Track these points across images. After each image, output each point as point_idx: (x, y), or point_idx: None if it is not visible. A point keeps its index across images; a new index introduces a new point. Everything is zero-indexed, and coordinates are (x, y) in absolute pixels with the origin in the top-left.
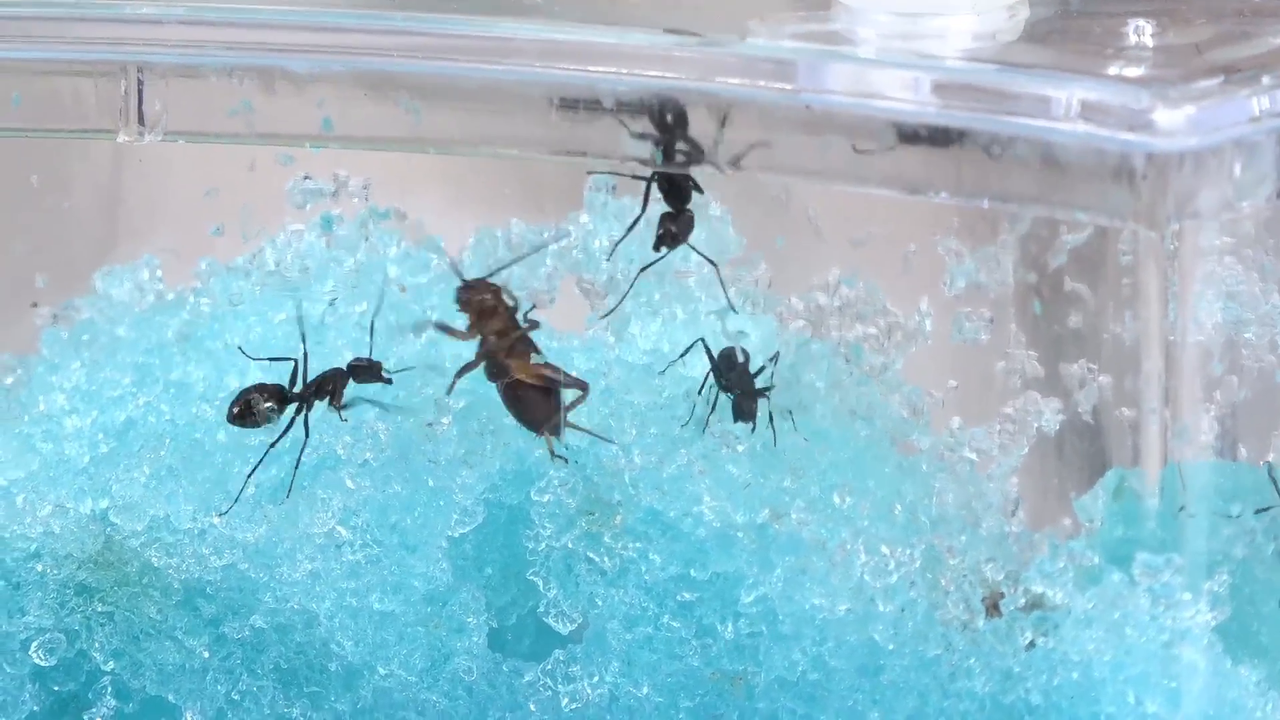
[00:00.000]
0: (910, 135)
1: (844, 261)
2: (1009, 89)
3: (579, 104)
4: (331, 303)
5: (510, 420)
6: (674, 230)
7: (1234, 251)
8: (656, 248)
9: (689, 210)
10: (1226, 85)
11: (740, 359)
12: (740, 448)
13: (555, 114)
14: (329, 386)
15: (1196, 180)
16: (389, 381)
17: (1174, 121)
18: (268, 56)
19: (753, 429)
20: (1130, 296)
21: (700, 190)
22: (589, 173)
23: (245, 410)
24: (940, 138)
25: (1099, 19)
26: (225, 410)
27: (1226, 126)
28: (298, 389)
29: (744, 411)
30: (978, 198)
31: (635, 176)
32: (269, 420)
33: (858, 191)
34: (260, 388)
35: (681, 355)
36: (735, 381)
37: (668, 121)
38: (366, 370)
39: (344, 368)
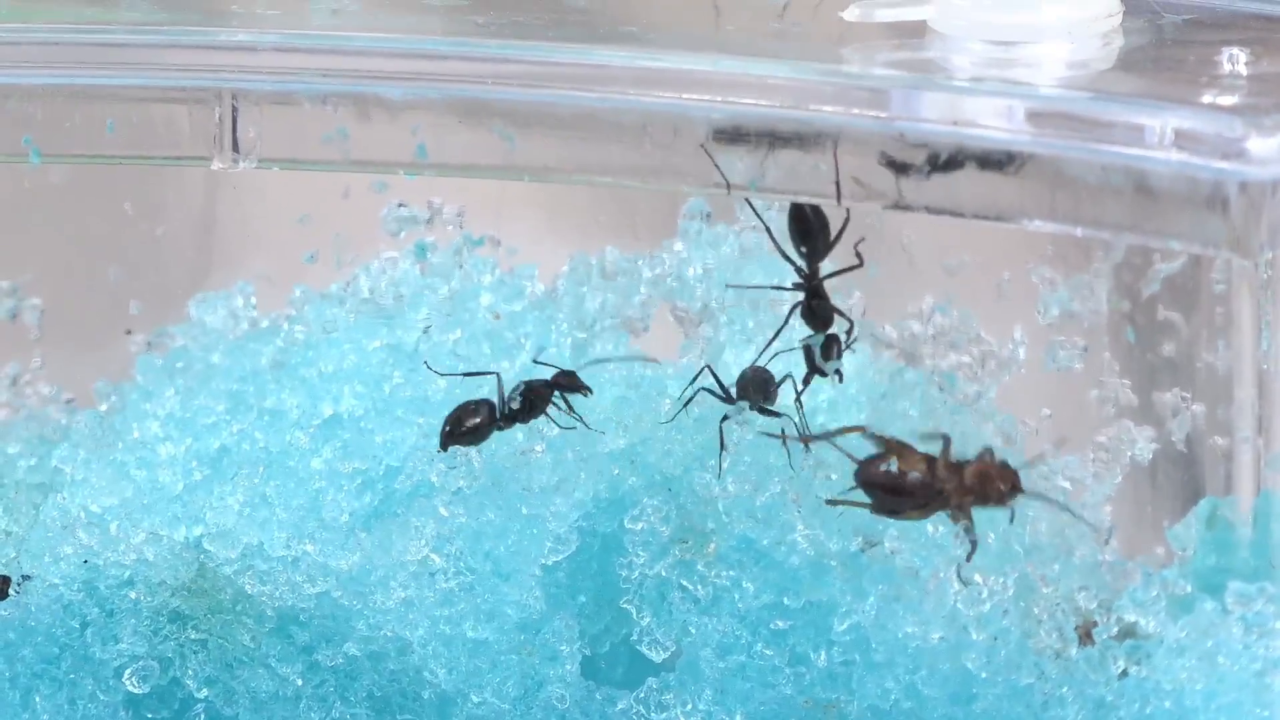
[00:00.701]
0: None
1: (938, 289)
2: (1103, 117)
3: (742, 135)
4: (426, 330)
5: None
6: (827, 358)
7: None
8: (807, 380)
9: (837, 335)
10: None
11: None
12: (834, 476)
13: (708, 144)
14: (535, 399)
15: None
16: (589, 392)
17: (1267, 150)
18: (362, 83)
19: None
20: (1223, 325)
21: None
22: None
23: (456, 429)
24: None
25: (1193, 47)
26: (441, 431)
27: None
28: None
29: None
30: (1072, 225)
31: (782, 288)
32: (483, 437)
33: (954, 221)
34: (471, 406)
35: (690, 384)
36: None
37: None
38: (568, 382)
39: (547, 380)
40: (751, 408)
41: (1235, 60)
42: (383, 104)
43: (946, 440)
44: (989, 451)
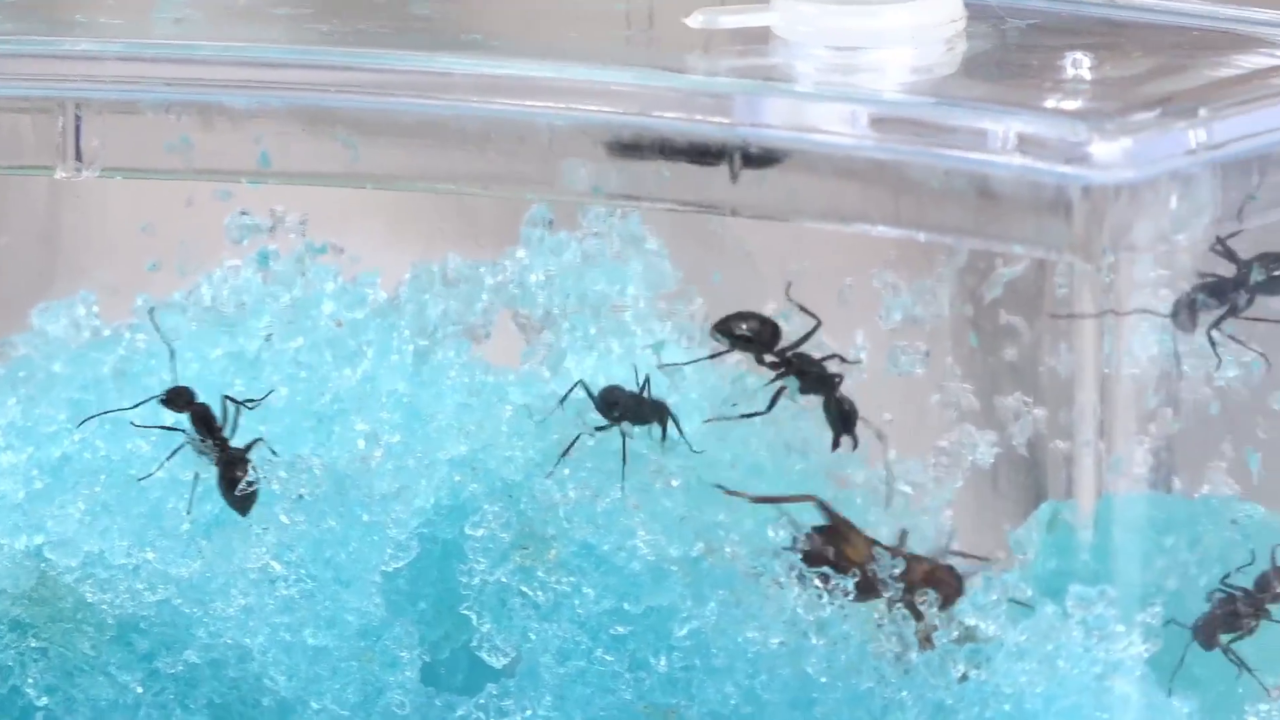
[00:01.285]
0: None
1: (780, 295)
2: (945, 122)
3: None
4: (268, 338)
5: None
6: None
7: (1169, 284)
8: (836, 443)
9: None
10: (1163, 118)
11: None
12: (675, 482)
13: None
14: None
15: (1133, 213)
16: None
17: (1111, 154)
18: (205, 92)
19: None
20: (1066, 329)
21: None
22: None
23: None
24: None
25: (1036, 52)
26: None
27: (1163, 159)
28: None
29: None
30: (914, 230)
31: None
32: None
33: (794, 225)
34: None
35: (560, 401)
36: (631, 415)
37: None
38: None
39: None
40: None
41: (1078, 64)
42: (226, 112)
43: (903, 533)
44: (943, 553)
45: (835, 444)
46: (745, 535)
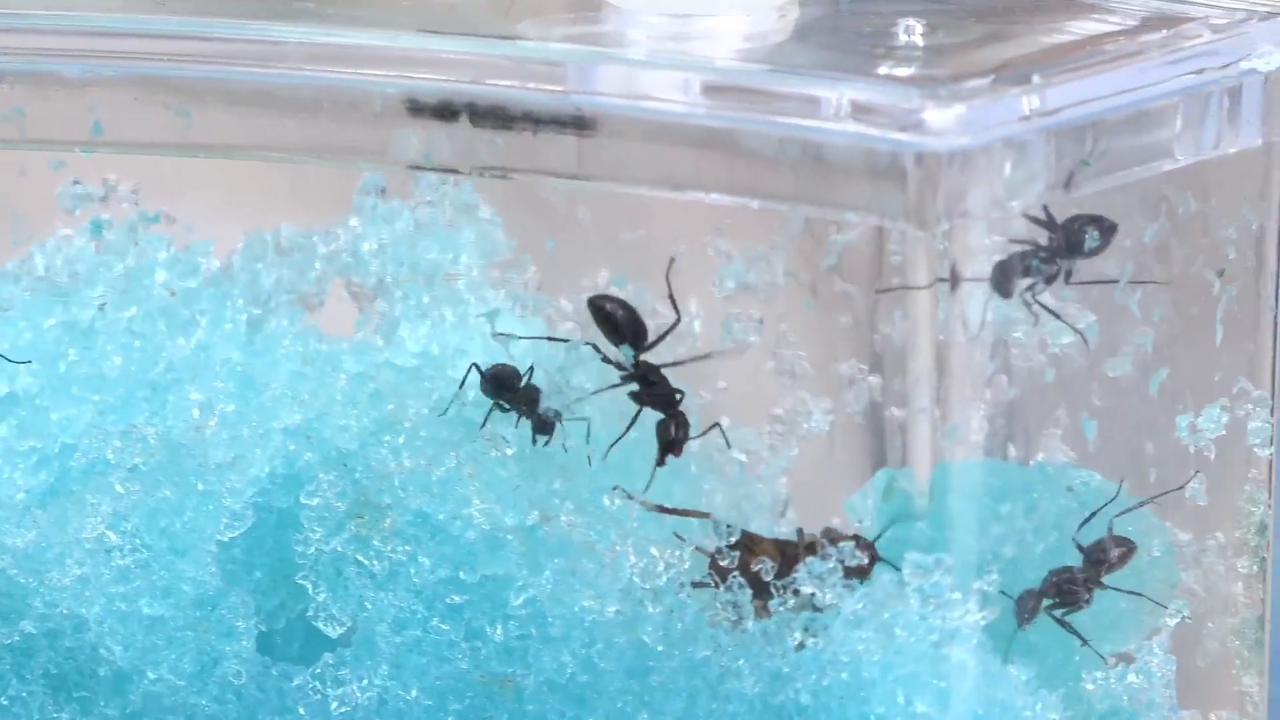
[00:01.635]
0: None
1: (614, 263)
2: (778, 89)
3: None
4: (101, 307)
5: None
6: (676, 438)
7: (1004, 250)
8: (661, 461)
9: (681, 412)
10: (996, 84)
11: (519, 374)
12: (509, 450)
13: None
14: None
15: (966, 179)
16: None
17: (944, 121)
18: (38, 61)
19: (547, 442)
20: (900, 296)
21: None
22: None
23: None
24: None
25: (869, 19)
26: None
27: (996, 125)
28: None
29: (544, 426)
30: (748, 198)
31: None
32: None
33: (628, 192)
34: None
35: (461, 385)
36: (519, 398)
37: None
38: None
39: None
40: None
41: (911, 32)
42: (60, 81)
43: (800, 536)
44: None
45: (661, 461)
46: (580, 504)
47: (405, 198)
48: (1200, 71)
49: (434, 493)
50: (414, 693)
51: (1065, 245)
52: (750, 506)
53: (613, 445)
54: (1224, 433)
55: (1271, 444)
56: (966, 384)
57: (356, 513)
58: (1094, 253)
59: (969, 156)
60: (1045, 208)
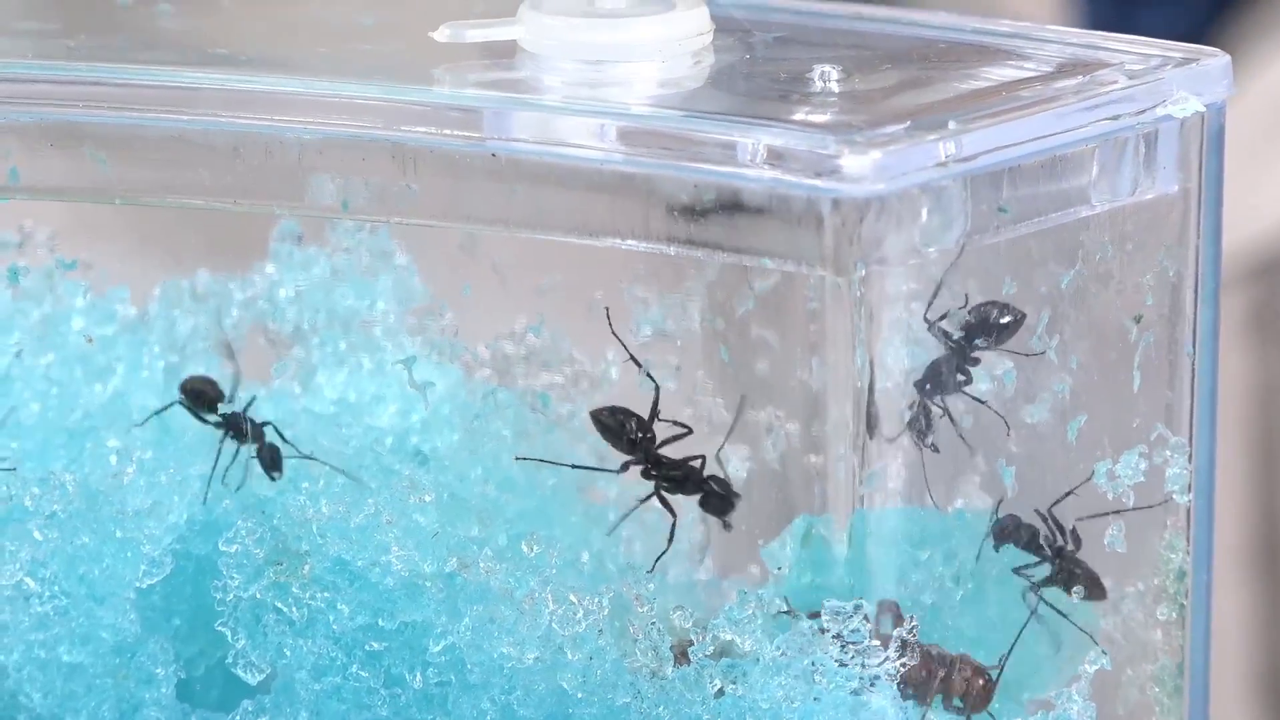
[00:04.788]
0: None
1: (530, 309)
2: (694, 135)
3: None
4: (18, 354)
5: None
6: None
7: (921, 297)
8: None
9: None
10: (913, 130)
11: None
12: (428, 497)
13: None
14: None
15: (883, 226)
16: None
17: (860, 167)
18: None
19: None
20: (817, 343)
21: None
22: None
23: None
24: None
25: (784, 64)
26: None
27: (913, 172)
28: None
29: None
30: (664, 245)
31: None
32: None
33: (544, 239)
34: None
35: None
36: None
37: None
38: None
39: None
40: None
41: (827, 78)
42: None
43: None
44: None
45: (727, 526)
46: (499, 551)
47: (322, 244)
48: (1116, 118)
49: (352, 539)
50: None
51: (969, 347)
52: (669, 554)
53: (623, 518)
54: (1142, 479)
55: (1190, 490)
56: (884, 430)
57: (275, 559)
58: (1003, 340)
59: (885, 203)
60: (937, 326)
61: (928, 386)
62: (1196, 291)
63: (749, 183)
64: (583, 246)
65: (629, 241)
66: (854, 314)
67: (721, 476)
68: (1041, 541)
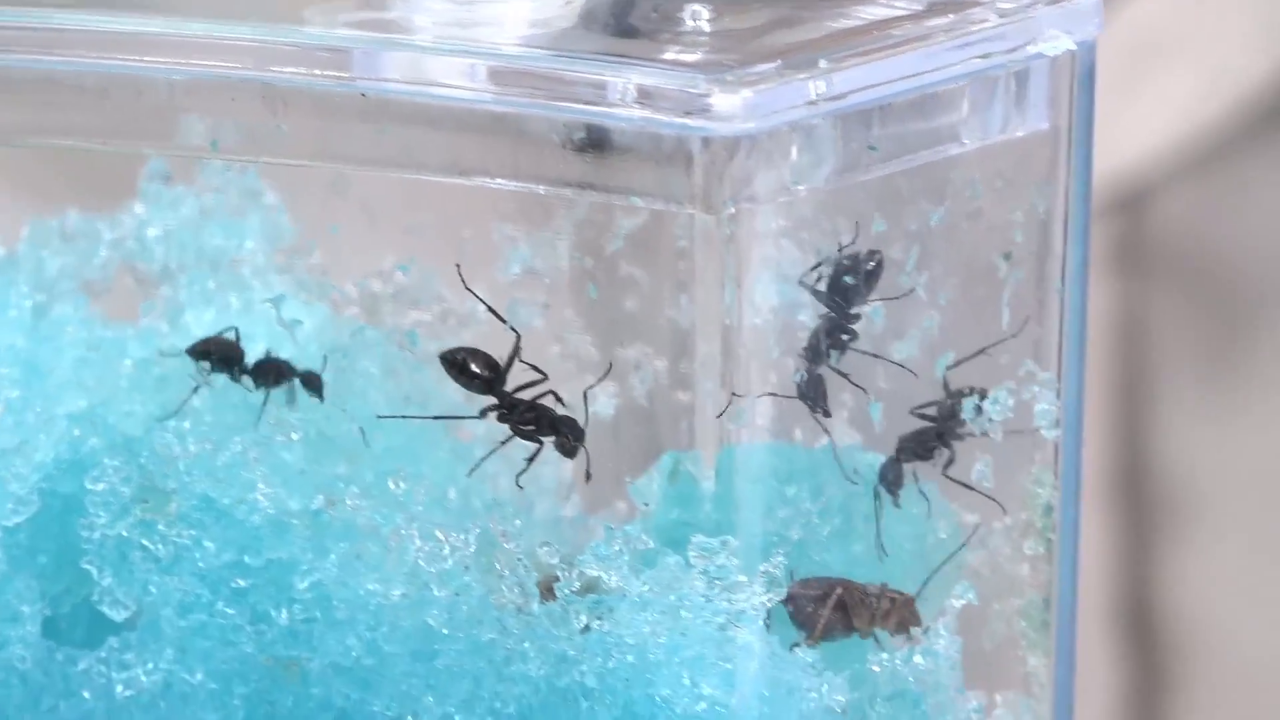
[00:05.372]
0: None
1: (398, 248)
2: (564, 75)
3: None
4: None
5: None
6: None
7: (790, 235)
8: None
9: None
10: (783, 69)
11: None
12: (295, 435)
13: None
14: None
15: (753, 164)
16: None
17: (730, 106)
18: None
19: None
20: (686, 281)
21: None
22: None
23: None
24: None
25: (655, 4)
26: None
27: (783, 110)
28: None
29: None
30: (534, 184)
31: None
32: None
33: (413, 179)
34: None
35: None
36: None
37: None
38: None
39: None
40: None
41: (698, 17)
42: None
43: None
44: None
45: (581, 467)
46: (365, 488)
47: (190, 184)
48: (987, 56)
49: (219, 478)
50: (199, 676)
51: (844, 299)
52: (534, 490)
53: (481, 461)
54: (1011, 415)
55: (1058, 426)
56: (753, 367)
57: (142, 498)
58: (872, 287)
59: (756, 141)
60: (809, 284)
61: (815, 353)
62: (1066, 228)
63: (619, 122)
64: (452, 186)
65: (499, 181)
66: (723, 252)
67: (571, 417)
68: (928, 446)
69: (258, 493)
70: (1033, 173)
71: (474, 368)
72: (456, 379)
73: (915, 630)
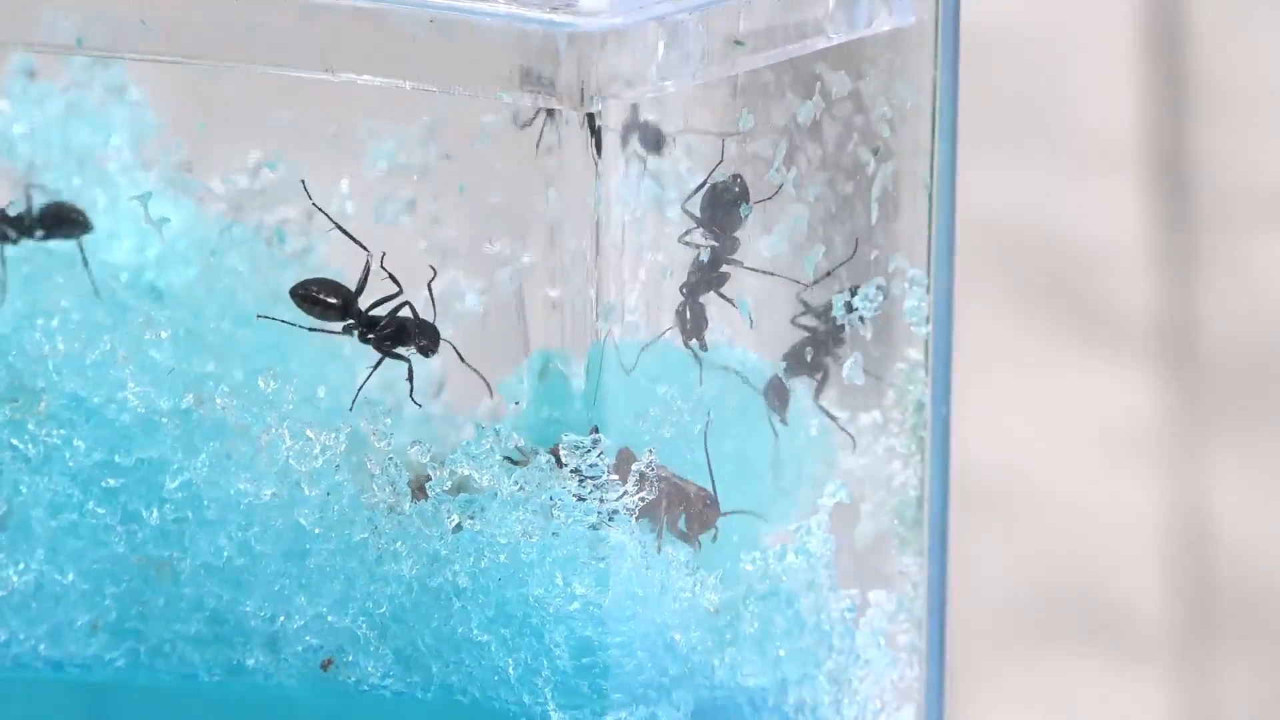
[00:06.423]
0: None
1: (265, 144)
2: None
3: None
4: None
5: None
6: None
7: (658, 129)
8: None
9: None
10: None
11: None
12: (164, 333)
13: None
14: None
15: (619, 59)
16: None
17: (596, 1)
18: None
19: None
20: (555, 175)
21: None
22: None
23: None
24: None
25: None
26: None
27: (649, 5)
28: None
29: None
30: (399, 80)
31: None
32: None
33: (279, 74)
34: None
35: None
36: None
37: None
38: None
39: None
40: None
41: None
42: None
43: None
44: None
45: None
46: (235, 387)
47: (53, 78)
48: None
49: (88, 376)
50: (71, 576)
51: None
52: (403, 388)
53: (359, 391)
54: (880, 311)
55: (929, 322)
56: (623, 263)
57: (11, 397)
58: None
59: (622, 35)
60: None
61: (694, 286)
62: (934, 124)
63: (485, 17)
64: (318, 81)
65: (365, 77)
66: (590, 147)
67: (428, 322)
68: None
69: (128, 391)
70: (901, 67)
71: (324, 297)
72: (310, 311)
73: (704, 535)
